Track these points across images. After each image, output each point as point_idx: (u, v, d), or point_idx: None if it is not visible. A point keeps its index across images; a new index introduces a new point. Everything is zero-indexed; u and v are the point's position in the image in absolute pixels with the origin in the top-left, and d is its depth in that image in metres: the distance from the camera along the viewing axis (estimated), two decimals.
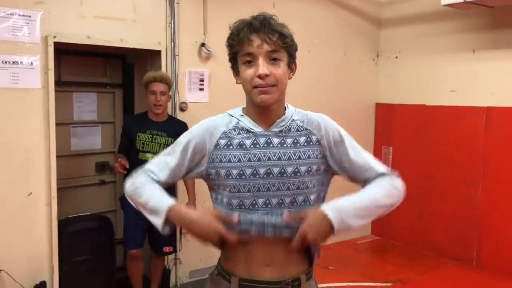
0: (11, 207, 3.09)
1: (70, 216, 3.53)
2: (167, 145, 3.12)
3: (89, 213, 3.71)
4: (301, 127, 1.46)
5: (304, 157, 1.42)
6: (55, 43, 3.14)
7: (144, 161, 2.65)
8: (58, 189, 3.28)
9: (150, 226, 2.88)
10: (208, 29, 3.91)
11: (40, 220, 3.20)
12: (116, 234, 3.76)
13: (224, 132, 1.45)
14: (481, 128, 4.35)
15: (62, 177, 3.57)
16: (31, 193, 3.16)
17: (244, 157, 1.41)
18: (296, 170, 1.40)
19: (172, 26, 3.69)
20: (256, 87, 1.37)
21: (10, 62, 3.00)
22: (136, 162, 2.92)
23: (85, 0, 3.29)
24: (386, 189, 1.43)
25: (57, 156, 3.23)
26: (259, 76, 1.35)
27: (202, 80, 3.94)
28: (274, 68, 1.37)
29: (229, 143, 1.43)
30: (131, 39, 3.51)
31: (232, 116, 1.48)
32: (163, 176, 1.48)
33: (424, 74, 4.79)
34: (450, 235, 4.60)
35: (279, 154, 1.41)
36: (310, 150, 1.43)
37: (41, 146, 3.17)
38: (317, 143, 1.44)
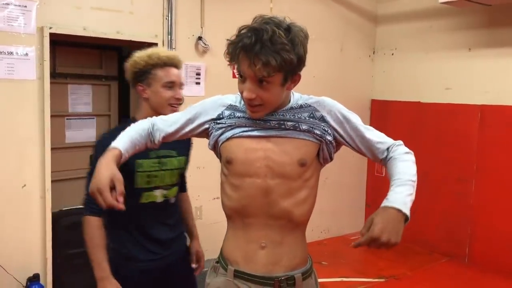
0: (5, 199, 3.07)
1: (64, 209, 3.51)
2: (180, 169, 2.00)
3: (83, 206, 3.68)
4: (305, 104, 1.48)
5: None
6: (50, 34, 3.11)
7: (152, 206, 1.93)
8: (53, 181, 3.25)
9: None
10: (206, 23, 3.88)
11: (34, 212, 3.18)
12: None
13: (230, 105, 1.51)
14: (475, 125, 4.37)
15: (57, 170, 3.54)
16: (25, 185, 3.14)
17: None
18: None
19: (169, 19, 3.67)
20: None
21: (5, 53, 2.97)
22: (138, 210, 1.88)
23: None
24: (409, 160, 1.47)
25: (51, 148, 3.21)
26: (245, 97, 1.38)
27: (198, 74, 3.92)
28: (262, 90, 1.35)
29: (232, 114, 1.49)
30: (128, 31, 3.48)
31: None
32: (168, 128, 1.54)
33: (420, 71, 4.80)
34: (442, 232, 4.63)
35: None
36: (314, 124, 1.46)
37: (36, 138, 3.15)
38: (321, 119, 1.46)
